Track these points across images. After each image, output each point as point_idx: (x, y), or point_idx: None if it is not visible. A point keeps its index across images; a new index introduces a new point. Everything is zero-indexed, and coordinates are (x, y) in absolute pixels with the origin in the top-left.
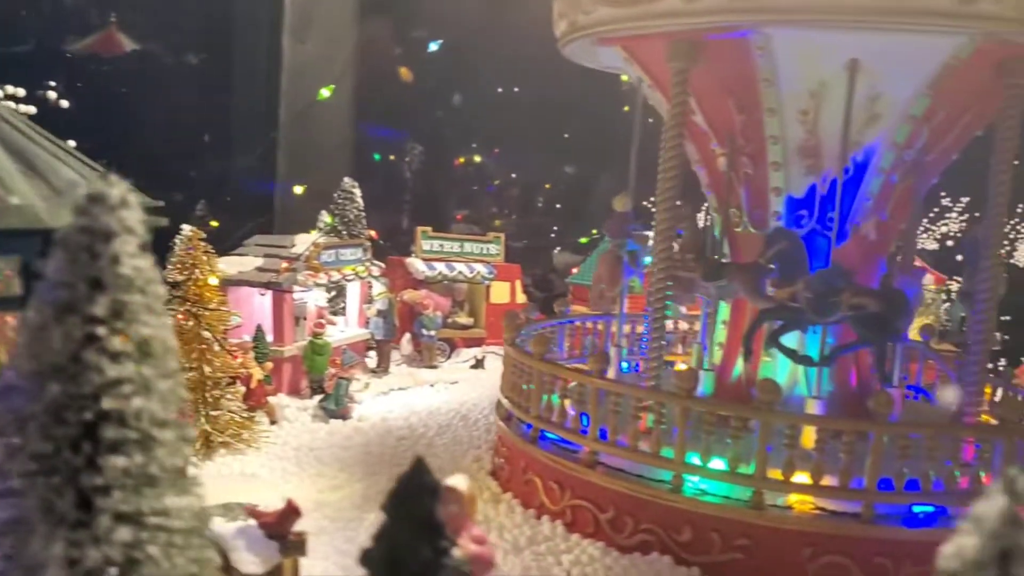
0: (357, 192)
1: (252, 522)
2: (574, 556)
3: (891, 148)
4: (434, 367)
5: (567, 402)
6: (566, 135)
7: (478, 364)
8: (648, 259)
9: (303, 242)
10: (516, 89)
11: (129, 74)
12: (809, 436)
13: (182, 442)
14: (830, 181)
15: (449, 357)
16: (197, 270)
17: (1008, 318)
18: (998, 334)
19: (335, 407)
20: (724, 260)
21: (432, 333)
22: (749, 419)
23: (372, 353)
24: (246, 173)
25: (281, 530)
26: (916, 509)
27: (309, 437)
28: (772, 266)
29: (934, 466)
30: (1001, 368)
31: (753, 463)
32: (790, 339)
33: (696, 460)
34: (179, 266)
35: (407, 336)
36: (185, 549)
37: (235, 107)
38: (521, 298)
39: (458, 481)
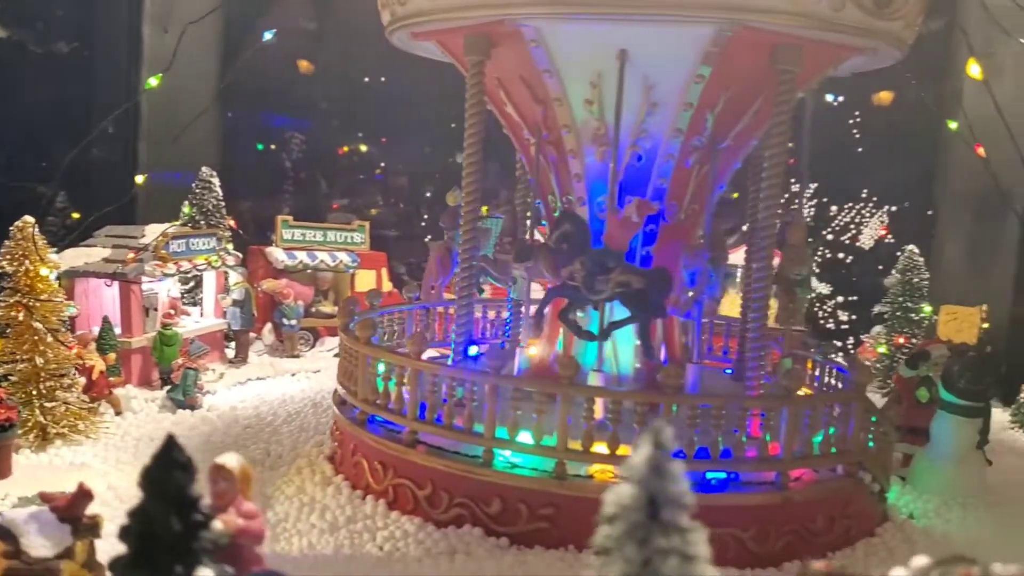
0: (216, 182)
1: (44, 506)
2: (389, 532)
3: (676, 135)
4: (297, 356)
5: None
6: (452, 125)
7: None
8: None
9: (153, 232)
10: (383, 79)
11: None
12: (598, 408)
13: None
14: (624, 167)
15: (313, 346)
16: (28, 260)
17: (855, 298)
18: (842, 313)
19: (182, 397)
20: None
21: (293, 322)
22: (553, 394)
23: (233, 343)
24: (108, 164)
25: (74, 513)
26: (709, 476)
27: (153, 427)
28: (564, 247)
29: (722, 435)
30: (849, 346)
31: (555, 435)
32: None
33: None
34: (9, 256)
35: (268, 326)
36: None
37: (98, 97)
38: (387, 286)
39: (227, 459)
